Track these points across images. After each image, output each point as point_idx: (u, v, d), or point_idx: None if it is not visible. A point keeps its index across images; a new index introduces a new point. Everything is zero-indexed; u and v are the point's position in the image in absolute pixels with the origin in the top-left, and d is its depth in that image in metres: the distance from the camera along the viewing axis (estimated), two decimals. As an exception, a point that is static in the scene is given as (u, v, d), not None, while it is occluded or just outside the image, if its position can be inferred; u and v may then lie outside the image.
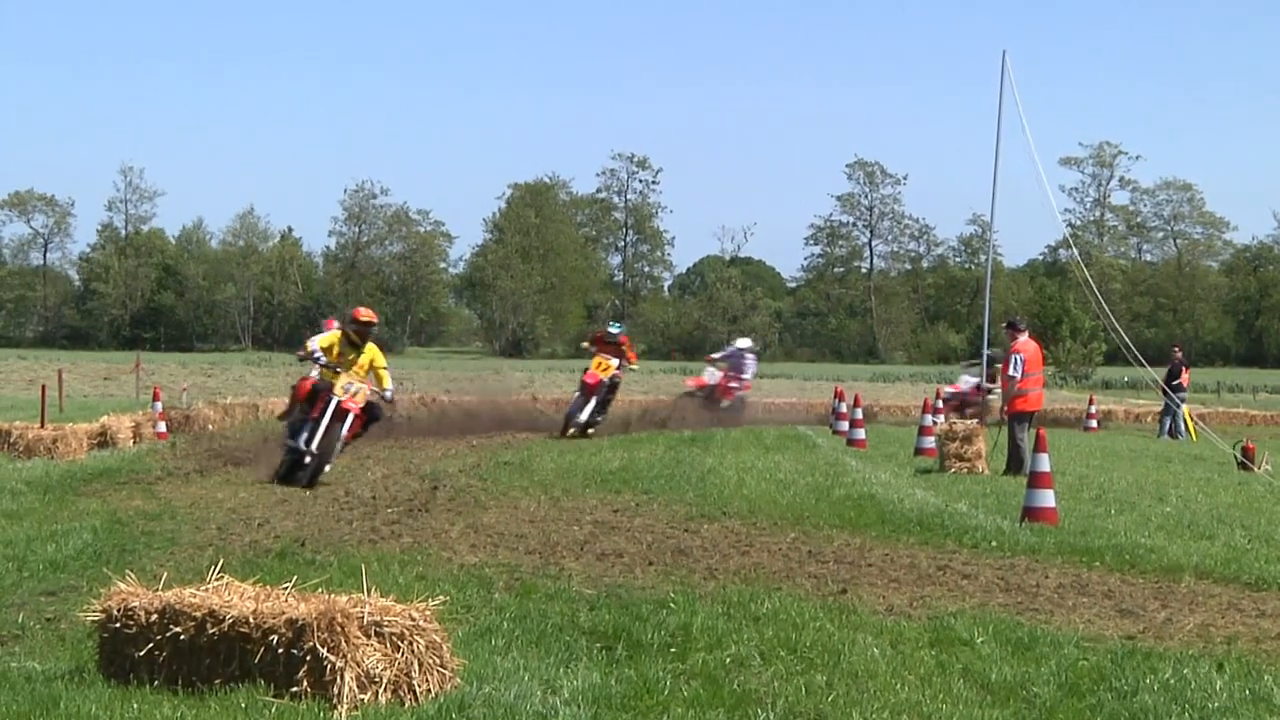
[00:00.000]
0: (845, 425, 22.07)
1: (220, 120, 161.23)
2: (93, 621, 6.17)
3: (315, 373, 19.09)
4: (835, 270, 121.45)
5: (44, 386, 22.22)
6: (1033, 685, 6.41)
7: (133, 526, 11.12)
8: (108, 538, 10.43)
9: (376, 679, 5.75)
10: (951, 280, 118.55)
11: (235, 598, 6.01)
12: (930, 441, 18.46)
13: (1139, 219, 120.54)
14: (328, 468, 14.71)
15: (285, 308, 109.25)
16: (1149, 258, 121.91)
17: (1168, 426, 28.45)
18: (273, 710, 5.58)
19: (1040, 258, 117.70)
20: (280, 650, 5.75)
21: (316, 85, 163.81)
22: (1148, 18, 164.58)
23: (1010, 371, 16.45)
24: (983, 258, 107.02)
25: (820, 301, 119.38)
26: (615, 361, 22.42)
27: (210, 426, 22.35)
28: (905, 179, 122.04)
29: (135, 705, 5.67)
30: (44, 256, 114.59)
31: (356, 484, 14.53)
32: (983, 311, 26.98)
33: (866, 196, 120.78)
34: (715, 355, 29.48)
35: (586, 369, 22.48)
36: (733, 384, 27.47)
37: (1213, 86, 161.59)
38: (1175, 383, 28.57)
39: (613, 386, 22.60)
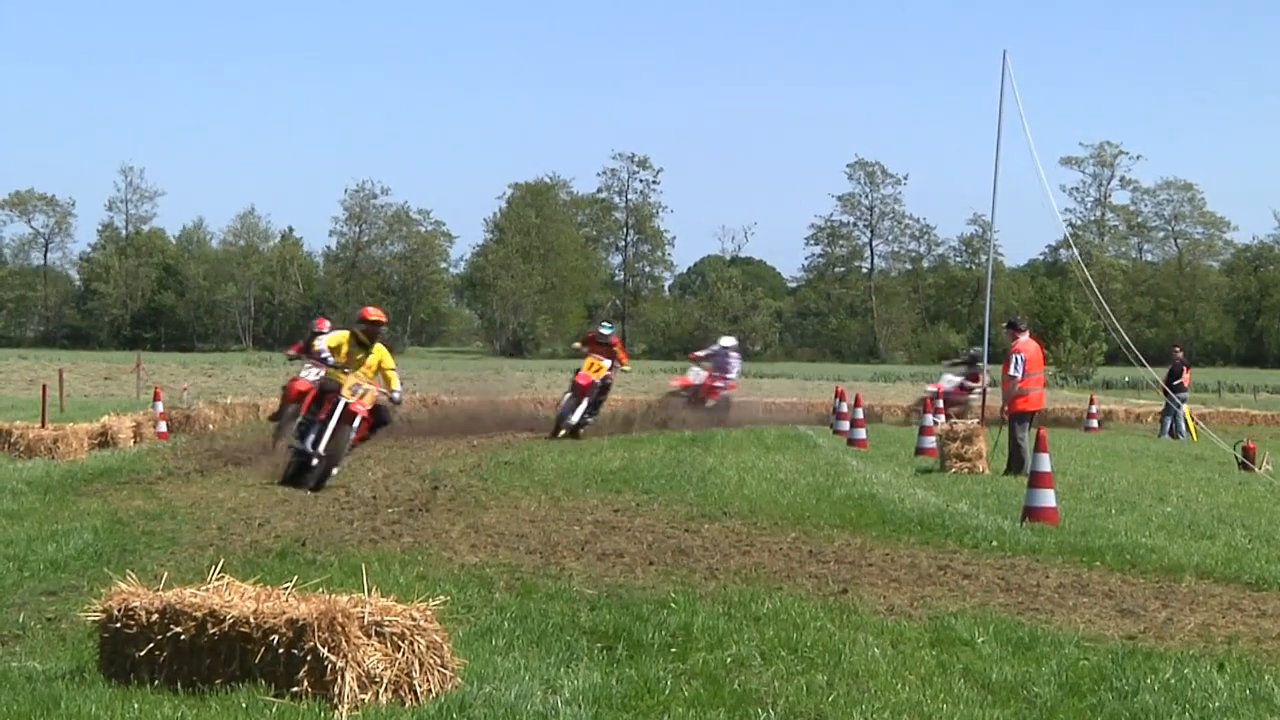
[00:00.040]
0: (846, 425, 22.06)
1: (220, 120, 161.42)
2: (93, 621, 6.17)
3: (305, 372, 18.95)
4: (836, 270, 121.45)
5: (45, 386, 22.22)
6: (1033, 685, 6.41)
7: (133, 526, 11.12)
8: (108, 538, 10.43)
9: (377, 679, 5.75)
10: (952, 280, 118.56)
11: (236, 598, 6.01)
12: (931, 441, 18.45)
13: (1139, 219, 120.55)
14: (335, 470, 14.45)
15: (286, 308, 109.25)
16: (1150, 257, 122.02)
17: (1168, 426, 28.44)
18: (273, 710, 5.58)
19: (1041, 257, 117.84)
20: (281, 650, 5.75)
21: (316, 85, 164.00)
22: (1148, 18, 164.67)
23: (1011, 371, 16.44)
24: (983, 258, 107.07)
25: (821, 301, 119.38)
26: (608, 362, 22.30)
27: (211, 426, 22.36)
28: (906, 179, 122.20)
29: (136, 705, 5.67)
30: (44, 256, 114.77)
31: (357, 484, 14.52)
32: (983, 311, 26.98)
33: (867, 196, 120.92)
34: (699, 353, 29.02)
35: (578, 369, 22.37)
36: (718, 383, 27.17)
37: (1213, 86, 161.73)
38: (1176, 383, 28.57)
39: (605, 387, 22.49)
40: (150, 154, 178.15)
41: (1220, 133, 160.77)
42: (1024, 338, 16.79)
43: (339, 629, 5.70)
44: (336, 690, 5.67)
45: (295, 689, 5.70)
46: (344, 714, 5.60)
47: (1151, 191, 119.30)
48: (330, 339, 15.01)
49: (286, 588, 6.14)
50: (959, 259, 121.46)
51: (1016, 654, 7.01)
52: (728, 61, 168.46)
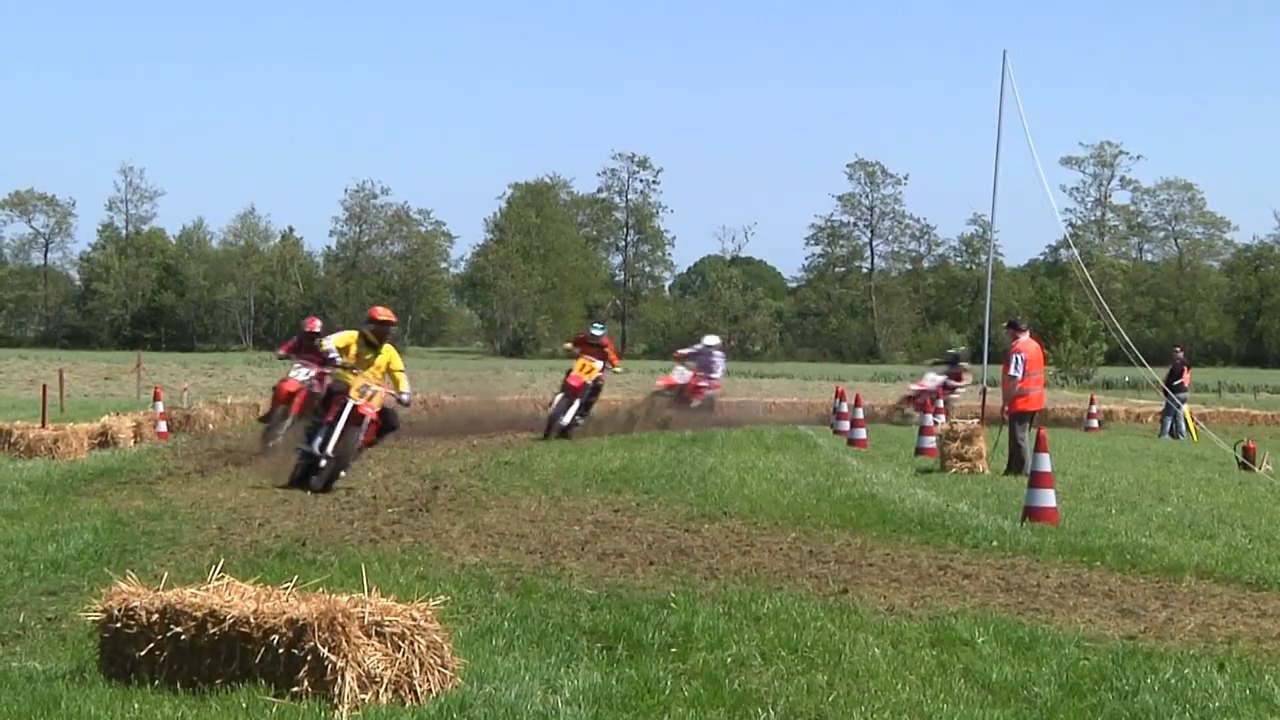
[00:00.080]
0: (846, 425, 22.06)
1: (220, 120, 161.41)
2: (94, 621, 6.17)
3: (295, 372, 18.70)
4: (836, 270, 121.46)
5: (45, 386, 22.23)
6: (1034, 685, 6.41)
7: (134, 526, 11.12)
8: (109, 537, 10.44)
9: (377, 679, 5.75)
10: (952, 280, 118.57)
11: (236, 598, 6.01)
12: (931, 441, 18.45)
13: (1140, 219, 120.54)
14: (344, 473, 14.24)
15: (286, 308, 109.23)
16: (1150, 257, 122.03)
17: (1169, 426, 28.44)
18: (273, 710, 5.58)
19: (1041, 257, 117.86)
20: (281, 650, 5.75)
21: (316, 85, 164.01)
22: (1148, 18, 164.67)
23: (1011, 371, 16.44)
24: (983, 258, 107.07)
25: (821, 301, 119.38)
26: (599, 363, 22.17)
27: (211, 426, 22.37)
28: (906, 179, 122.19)
29: (136, 705, 5.67)
30: (45, 256, 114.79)
31: (357, 484, 14.51)
32: (984, 311, 27.00)
33: (867, 196, 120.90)
34: (684, 352, 28.75)
35: (570, 370, 22.23)
36: (702, 383, 26.97)
37: (1213, 86, 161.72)
38: (1177, 383, 28.58)
39: (595, 389, 22.34)
40: (150, 154, 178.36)
41: (1220, 133, 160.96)
42: (1024, 337, 16.79)
43: (339, 629, 5.70)
44: (337, 690, 5.67)
45: (295, 689, 5.70)
46: (344, 714, 5.60)
47: (1151, 191, 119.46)
48: (339, 339, 14.70)
49: (287, 588, 6.14)
50: (959, 259, 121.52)
51: (1017, 654, 7.01)
52: (728, 61, 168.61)
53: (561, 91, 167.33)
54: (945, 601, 8.49)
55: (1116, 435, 29.14)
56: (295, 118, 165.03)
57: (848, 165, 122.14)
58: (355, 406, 14.19)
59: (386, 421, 14.60)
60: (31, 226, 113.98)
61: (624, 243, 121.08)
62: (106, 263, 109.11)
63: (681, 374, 27.03)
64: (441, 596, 6.44)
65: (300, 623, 5.74)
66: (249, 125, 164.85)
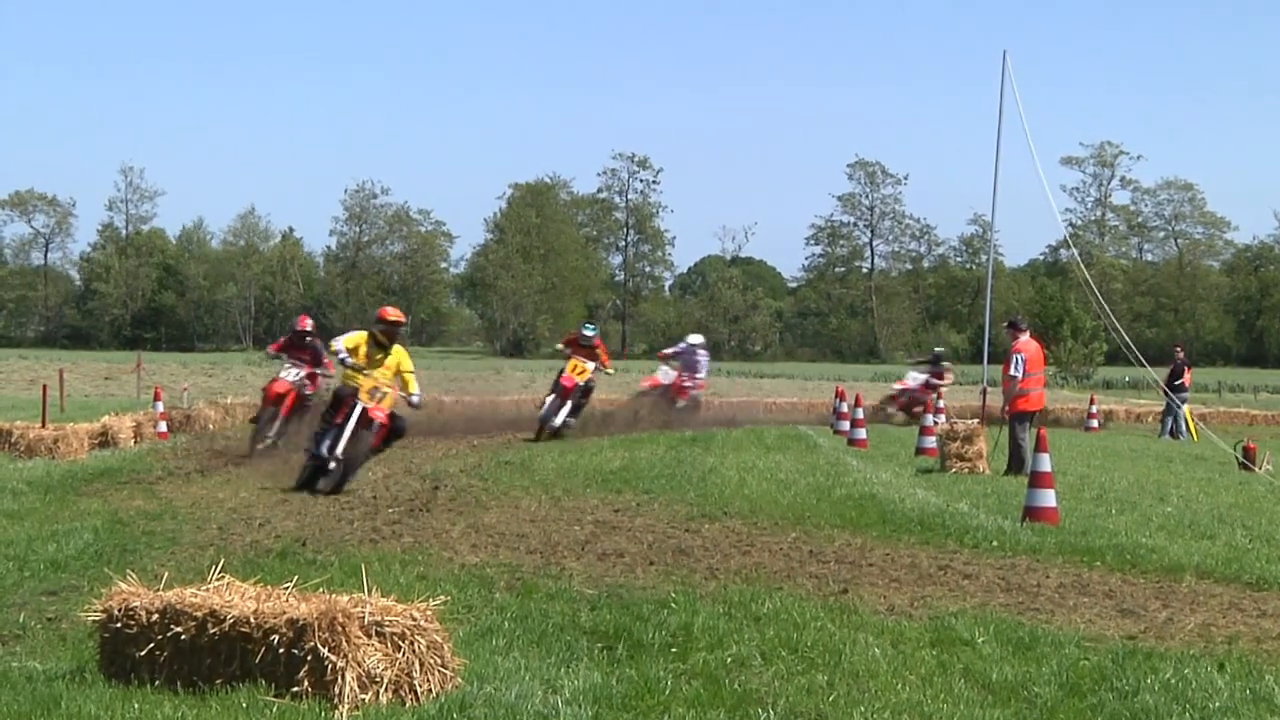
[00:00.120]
0: (846, 425, 22.05)
1: (220, 120, 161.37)
2: (94, 621, 6.17)
3: (285, 373, 18.25)
4: (836, 270, 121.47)
5: (45, 386, 22.24)
6: (1034, 685, 6.41)
7: (134, 526, 11.13)
8: (109, 537, 10.44)
9: (377, 679, 5.75)
10: (952, 280, 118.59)
11: (236, 598, 6.01)
12: (931, 441, 18.45)
13: (1140, 219, 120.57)
14: (352, 477, 14.04)
15: (286, 307, 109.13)
16: (1150, 257, 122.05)
17: (1169, 426, 28.44)
18: (274, 710, 5.58)
19: (1041, 257, 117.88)
20: (281, 650, 5.75)
21: (316, 85, 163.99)
22: (1148, 18, 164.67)
23: (1011, 371, 16.44)
24: (984, 257, 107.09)
25: (821, 301, 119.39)
26: (591, 364, 22.00)
27: (211, 426, 22.35)
28: (906, 179, 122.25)
29: (136, 705, 5.68)
30: (45, 256, 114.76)
31: (357, 484, 14.51)
32: (984, 311, 26.99)
33: (867, 196, 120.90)
34: (667, 352, 28.30)
35: (561, 371, 22.05)
36: (686, 383, 26.59)
37: (1213, 86, 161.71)
38: (1178, 383, 28.58)
39: (587, 390, 22.15)
40: (150, 154, 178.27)
41: (1220, 133, 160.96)
42: (1024, 337, 16.79)
43: (339, 629, 5.70)
44: (337, 690, 5.67)
45: (295, 689, 5.70)
46: (344, 714, 5.60)
47: (1152, 191, 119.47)
48: (348, 339, 14.38)
49: (287, 588, 6.14)
50: (959, 259, 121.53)
51: (1017, 654, 7.01)
52: (728, 61, 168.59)
53: (561, 91, 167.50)
54: (945, 601, 8.49)
55: (1116, 435, 29.14)
56: (295, 118, 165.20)
57: (848, 165, 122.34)
58: (365, 409, 13.96)
59: (395, 426, 14.34)
60: (31, 226, 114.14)
61: (624, 243, 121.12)
62: (106, 263, 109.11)
63: (666, 374, 26.64)
64: (442, 596, 6.44)
65: (300, 623, 5.74)
66: (249, 125, 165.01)
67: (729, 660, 6.73)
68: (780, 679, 6.44)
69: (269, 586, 6.21)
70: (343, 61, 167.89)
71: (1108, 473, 17.38)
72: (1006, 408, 16.61)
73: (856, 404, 21.88)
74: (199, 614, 5.90)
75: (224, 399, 26.39)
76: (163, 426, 20.82)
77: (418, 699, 5.80)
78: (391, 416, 14.23)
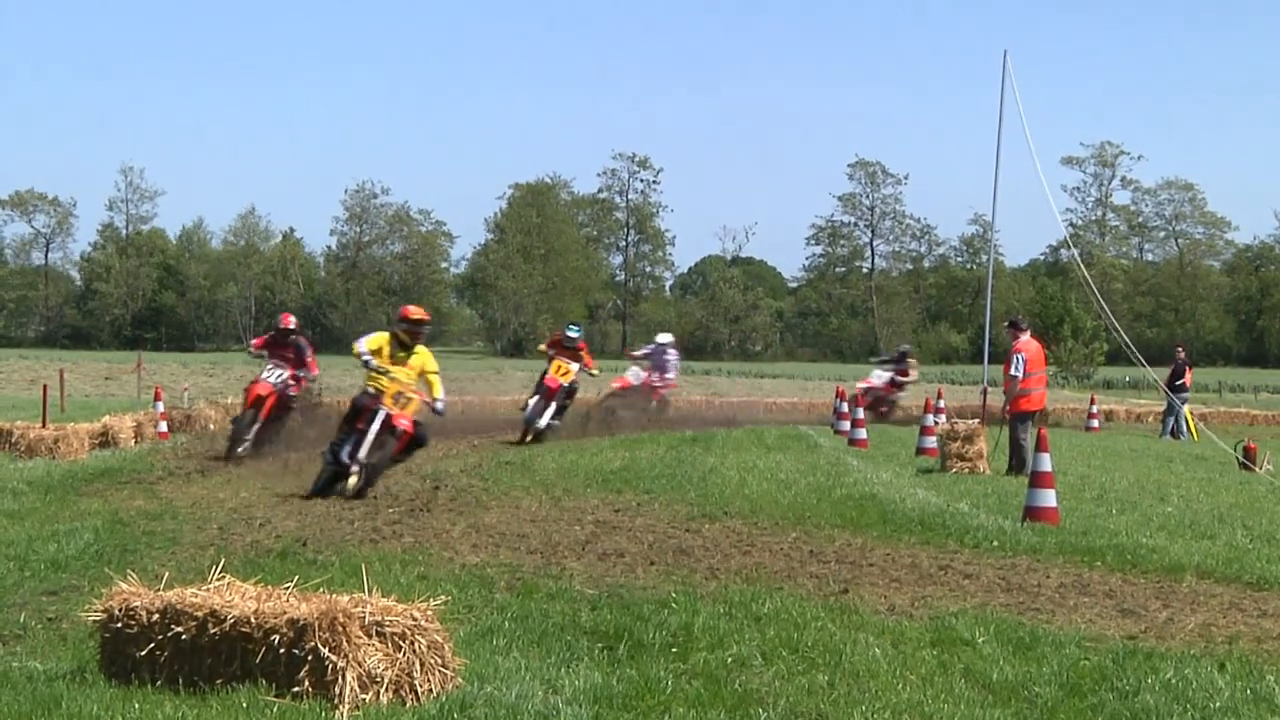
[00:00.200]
0: (846, 425, 22.06)
1: (220, 120, 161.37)
2: (94, 621, 6.17)
3: (267, 374, 17.77)
4: (836, 270, 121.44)
5: (45, 386, 22.25)
6: (1034, 685, 6.41)
7: (134, 526, 11.13)
8: (109, 537, 10.44)
9: (378, 679, 5.75)
10: (953, 280, 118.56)
11: (237, 598, 6.01)
12: (932, 441, 18.45)
13: (1140, 219, 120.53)
14: (376, 481, 13.58)
15: (287, 307, 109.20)
16: (1150, 257, 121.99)
17: (1170, 426, 28.44)
18: (274, 710, 5.59)
19: (1042, 257, 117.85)
20: (282, 650, 5.75)
21: (316, 85, 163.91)
22: (1148, 18, 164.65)
23: (1012, 371, 16.45)
24: (984, 257, 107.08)
25: (821, 301, 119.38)
26: (575, 366, 21.81)
27: (211, 426, 22.34)
28: (906, 179, 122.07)
29: (137, 705, 5.68)
30: (45, 256, 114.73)
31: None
32: (984, 311, 26.99)
33: (868, 196, 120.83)
34: (637, 353, 27.96)
35: (544, 372, 21.81)
36: (657, 383, 26.33)
37: (1213, 86, 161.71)
38: (1179, 383, 28.58)
39: (570, 391, 21.93)
40: (150, 154, 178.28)
41: (1220, 133, 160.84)
42: (1025, 337, 16.79)
43: (340, 629, 5.70)
44: (337, 690, 5.67)
45: (296, 689, 5.70)
46: (345, 714, 5.60)
47: (1152, 191, 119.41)
48: (370, 341, 13.82)
49: (287, 588, 6.14)
50: (960, 259, 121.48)
51: (1017, 654, 7.01)
52: (728, 61, 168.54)
53: (561, 91, 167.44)
54: (946, 601, 8.49)
55: (1117, 435, 29.14)
56: (295, 118, 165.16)
57: (848, 165, 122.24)
58: (389, 416, 13.43)
59: (418, 434, 13.73)
60: (32, 226, 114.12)
61: (624, 243, 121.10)
62: (107, 263, 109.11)
63: (636, 374, 26.30)
64: (442, 596, 6.44)
65: (301, 623, 5.74)
66: (249, 125, 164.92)
67: (729, 660, 6.73)
68: (781, 679, 6.44)
69: (269, 586, 6.21)
70: (342, 61, 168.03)
71: (1108, 473, 17.38)
72: (1007, 407, 16.61)
73: (857, 404, 21.89)
74: (199, 614, 5.90)
75: (224, 399, 26.40)
76: (163, 426, 20.83)
77: (418, 699, 5.80)
78: (415, 424, 13.68)
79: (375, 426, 13.36)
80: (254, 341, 19.22)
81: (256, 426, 17.50)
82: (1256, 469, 18.93)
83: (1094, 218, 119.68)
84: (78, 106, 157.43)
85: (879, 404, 28.06)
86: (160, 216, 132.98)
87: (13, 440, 17.28)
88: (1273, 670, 6.76)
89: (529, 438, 20.90)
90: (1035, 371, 16.61)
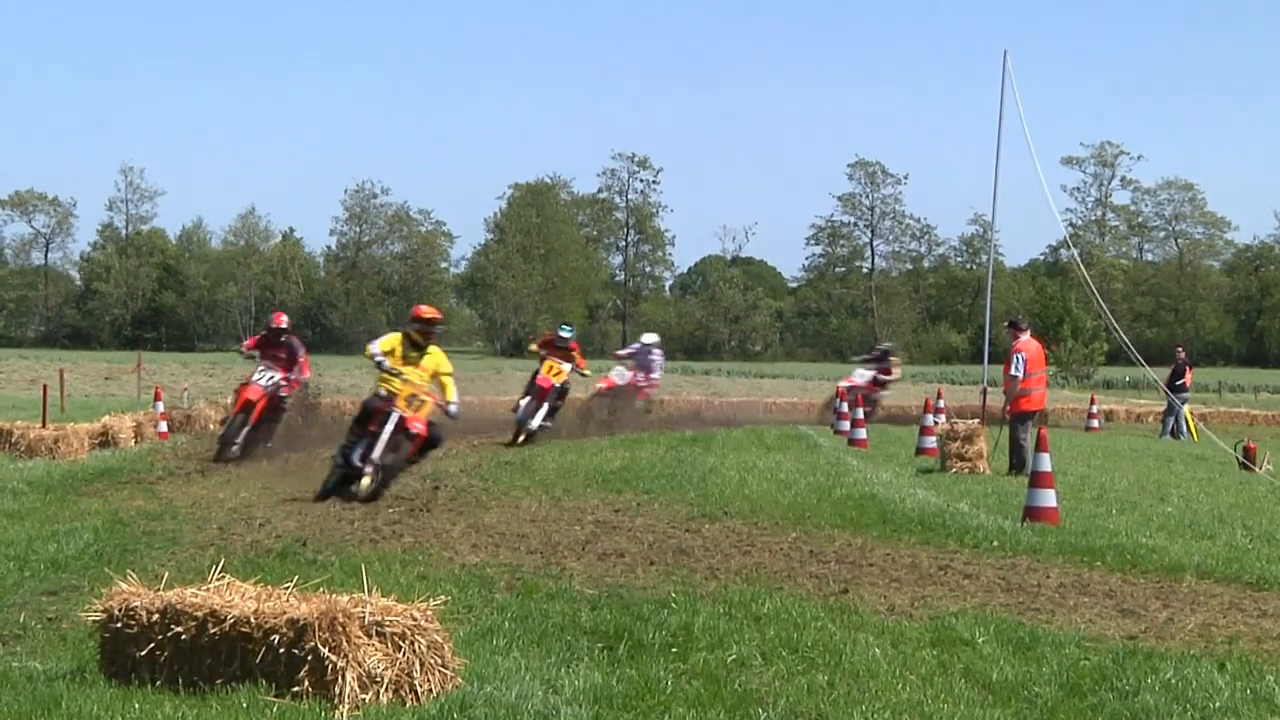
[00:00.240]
0: (846, 425, 22.06)
1: (220, 120, 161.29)
2: (94, 621, 6.17)
3: (258, 376, 17.52)
4: (836, 270, 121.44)
5: (45, 386, 22.25)
6: (1034, 685, 6.41)
7: (134, 526, 11.13)
8: (109, 537, 10.44)
9: (378, 679, 5.75)
10: (953, 280, 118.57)
11: (237, 598, 6.01)
12: (931, 441, 18.45)
13: (1140, 219, 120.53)
14: (394, 484, 13.35)
15: (287, 307, 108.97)
16: (1150, 257, 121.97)
17: (1170, 426, 28.44)
18: (274, 710, 5.59)
19: (1042, 257, 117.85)
20: (281, 650, 5.75)
21: (316, 85, 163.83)
22: (1148, 18, 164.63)
23: (1012, 371, 16.45)
24: (984, 257, 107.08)
25: (821, 301, 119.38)
26: (567, 366, 21.71)
27: (211, 426, 22.30)
28: (906, 179, 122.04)
29: (136, 705, 5.68)
30: (45, 256, 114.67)
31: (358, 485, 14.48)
32: (984, 311, 26.99)
33: (868, 196, 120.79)
34: (621, 352, 27.70)
35: (536, 372, 21.67)
36: (642, 383, 26.03)
37: (1213, 86, 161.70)
38: (1179, 383, 28.58)
39: (562, 392, 21.78)
40: (150, 154, 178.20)
41: (1220, 133, 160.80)
42: (1025, 337, 16.79)
43: (340, 629, 5.70)
44: (337, 690, 5.67)
45: (296, 689, 5.70)
46: (344, 714, 5.60)
47: (1152, 191, 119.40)
48: (383, 342, 13.64)
49: (287, 588, 6.14)
50: (959, 259, 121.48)
51: (1017, 654, 7.01)
52: (728, 61, 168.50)
53: (561, 91, 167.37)
54: (946, 601, 8.49)
55: (1117, 435, 29.14)
56: (295, 118, 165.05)
57: (848, 165, 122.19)
58: (402, 418, 13.17)
59: (432, 435, 13.48)
60: (32, 226, 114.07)
61: (624, 243, 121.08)
62: (107, 263, 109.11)
63: (621, 374, 25.97)
64: (442, 596, 6.45)
65: (301, 623, 5.74)
66: (249, 125, 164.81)
67: (729, 660, 6.73)
68: (781, 679, 6.44)
69: (269, 586, 6.21)
70: (342, 61, 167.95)
71: (1108, 473, 17.38)
72: (1008, 407, 16.61)
73: (857, 404, 21.89)
74: (199, 614, 5.90)
75: (224, 399, 26.36)
76: (163, 426, 20.83)
77: (418, 699, 5.80)
78: (429, 425, 13.47)
79: (389, 428, 13.12)
80: (246, 342, 19.02)
81: (246, 430, 17.30)
82: (1256, 469, 18.93)
83: (1094, 218, 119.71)
84: (78, 106, 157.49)
85: (862, 403, 27.91)
86: (160, 216, 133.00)
87: (13, 440, 17.29)
88: (1273, 670, 6.76)
89: (521, 438, 20.76)
90: (1035, 371, 16.61)
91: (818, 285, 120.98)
